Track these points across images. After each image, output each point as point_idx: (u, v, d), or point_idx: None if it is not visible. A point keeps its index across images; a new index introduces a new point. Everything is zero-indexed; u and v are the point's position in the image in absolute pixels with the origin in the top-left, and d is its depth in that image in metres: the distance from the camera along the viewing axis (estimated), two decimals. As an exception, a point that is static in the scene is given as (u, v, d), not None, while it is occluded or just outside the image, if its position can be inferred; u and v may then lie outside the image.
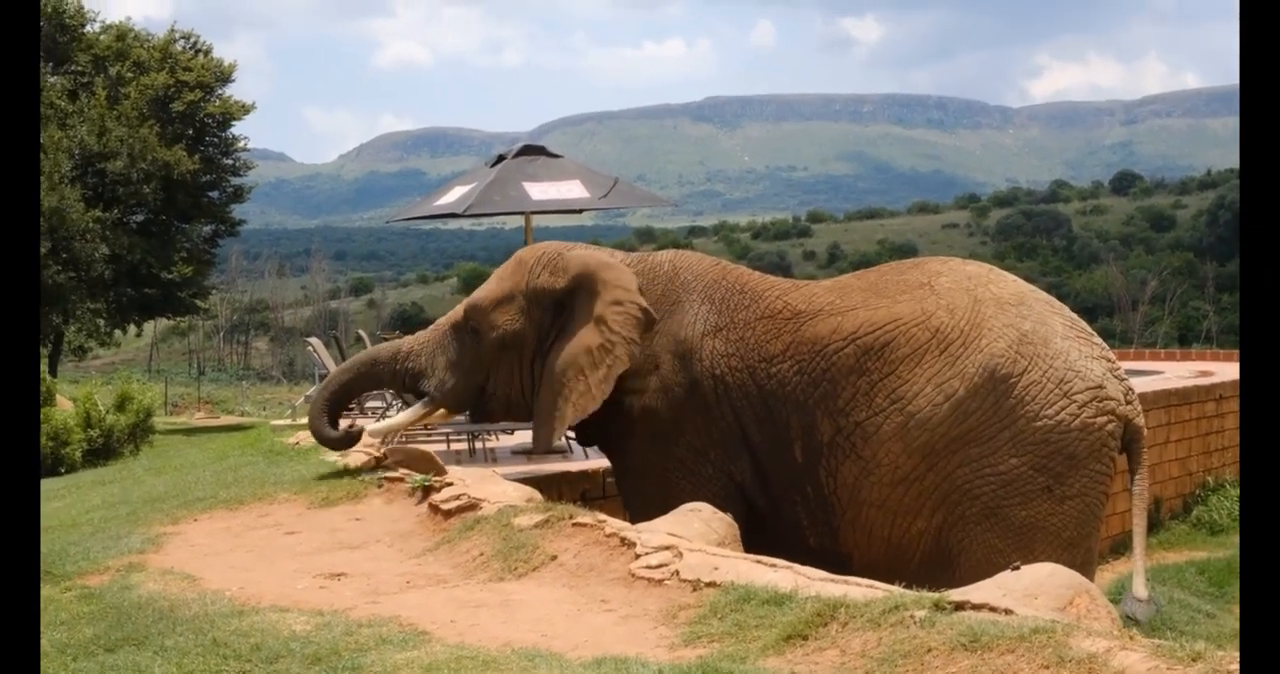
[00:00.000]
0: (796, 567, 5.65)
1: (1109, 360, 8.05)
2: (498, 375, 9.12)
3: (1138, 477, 8.23)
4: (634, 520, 8.18)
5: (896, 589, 5.07)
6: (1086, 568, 7.67)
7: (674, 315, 8.80)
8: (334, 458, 10.25)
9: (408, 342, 9.59)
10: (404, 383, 9.49)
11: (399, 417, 9.91)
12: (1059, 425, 7.73)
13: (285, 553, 7.66)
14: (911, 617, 4.62)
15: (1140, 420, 8.10)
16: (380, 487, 9.12)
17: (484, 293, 9.37)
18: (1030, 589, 4.71)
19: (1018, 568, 4.96)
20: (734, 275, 8.99)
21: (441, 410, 9.46)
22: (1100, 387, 7.82)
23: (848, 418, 8.16)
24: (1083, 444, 7.74)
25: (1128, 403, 7.99)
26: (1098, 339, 8.20)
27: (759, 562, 5.82)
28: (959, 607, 4.63)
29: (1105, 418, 7.81)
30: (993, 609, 4.55)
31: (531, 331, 9.03)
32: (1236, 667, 3.70)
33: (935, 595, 4.75)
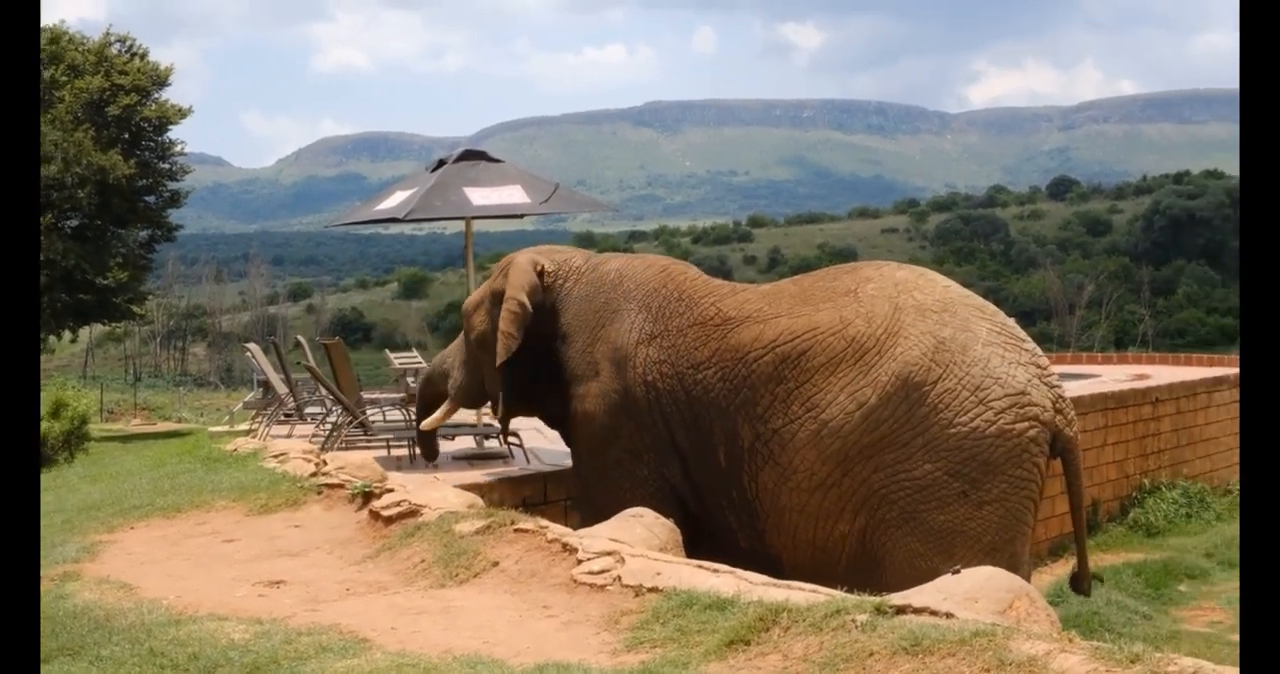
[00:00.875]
0: (739, 572, 5.65)
1: (1038, 366, 8.05)
2: (486, 372, 9.84)
3: (1073, 485, 8.31)
4: (582, 523, 8.52)
5: (838, 593, 5.07)
6: (1013, 573, 7.71)
7: (614, 323, 9.09)
8: (272, 464, 10.17)
9: (445, 351, 10.76)
10: (447, 386, 10.38)
11: (434, 416, 10.42)
12: (973, 432, 7.75)
13: (223, 561, 7.59)
14: (853, 621, 4.63)
15: (1071, 429, 8.11)
16: (320, 493, 9.06)
17: (469, 301, 10.20)
18: (971, 593, 4.72)
19: (958, 572, 4.98)
20: (675, 282, 9.13)
21: (458, 406, 10.39)
22: (1022, 393, 7.83)
23: (766, 425, 8.29)
24: (999, 450, 7.76)
25: (1056, 410, 8.00)
26: (1029, 345, 8.21)
27: (701, 567, 5.82)
28: (900, 611, 4.64)
29: (1026, 424, 7.81)
30: (934, 613, 4.56)
31: (492, 330, 9.65)
32: (1175, 668, 3.72)
33: (877, 599, 4.76)
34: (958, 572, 4.99)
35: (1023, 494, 7.91)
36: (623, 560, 6.01)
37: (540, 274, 9.60)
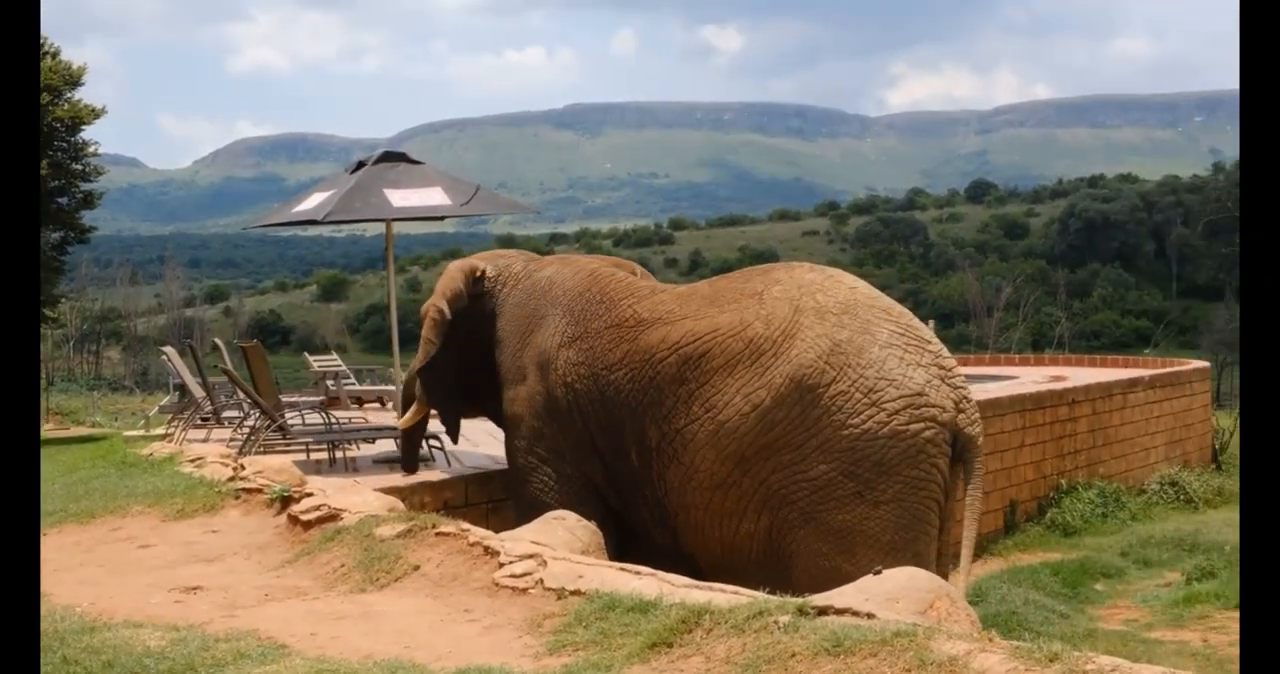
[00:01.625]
0: (661, 574, 5.65)
1: (941, 368, 8.12)
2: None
3: (971, 485, 8.35)
4: (517, 521, 8.68)
5: (760, 595, 5.08)
6: None
7: (542, 328, 9.35)
8: (189, 469, 10.04)
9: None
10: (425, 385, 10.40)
11: (407, 415, 10.55)
12: (866, 433, 7.83)
13: (139, 567, 7.48)
14: (775, 622, 4.64)
15: (973, 429, 8.17)
16: (237, 498, 8.96)
17: (425, 305, 10.23)
18: (892, 593, 4.75)
19: (879, 572, 5.00)
20: (601, 285, 9.32)
21: (427, 407, 10.47)
22: (918, 394, 7.90)
23: (670, 425, 8.45)
24: (893, 451, 7.84)
25: (958, 411, 8.07)
26: (934, 346, 8.28)
27: (623, 569, 5.81)
28: (822, 612, 4.66)
29: (921, 425, 7.88)
30: (855, 614, 4.58)
31: None
32: (1093, 667, 3.75)
33: (799, 601, 4.78)
34: (879, 572, 5.01)
35: (922, 494, 7.98)
36: (545, 563, 5.99)
37: (479, 279, 9.88)
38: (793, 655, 4.36)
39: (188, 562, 7.52)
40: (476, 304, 9.85)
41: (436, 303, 9.74)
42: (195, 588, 6.82)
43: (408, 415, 10.50)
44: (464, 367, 9.89)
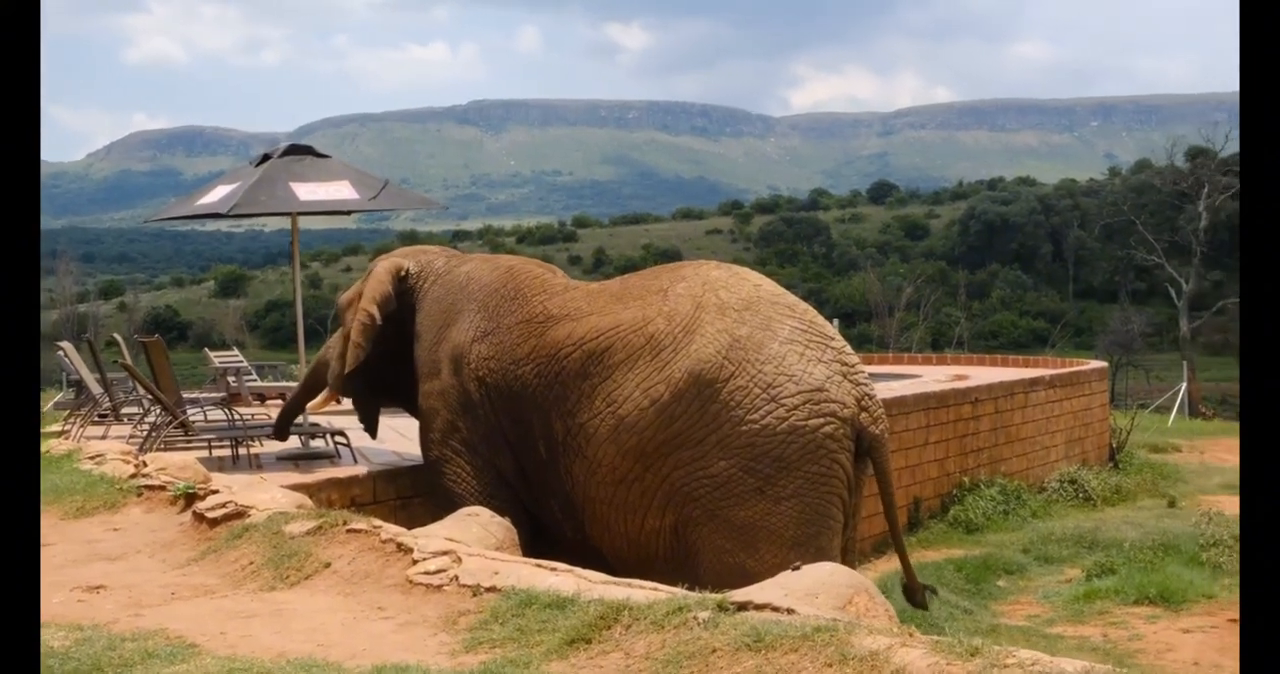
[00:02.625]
0: (578, 570, 5.60)
1: (843, 364, 8.16)
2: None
3: (883, 482, 8.40)
4: (435, 513, 8.84)
5: (680, 591, 5.06)
6: None
7: (456, 323, 9.40)
8: (89, 466, 9.83)
9: (330, 340, 10.82)
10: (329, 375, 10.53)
11: (317, 399, 10.73)
12: (764, 429, 7.85)
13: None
14: (695, 618, 4.62)
15: (876, 427, 8.21)
16: (140, 495, 8.78)
17: (344, 296, 10.55)
18: (811, 588, 4.74)
19: (798, 568, 5.00)
20: (516, 281, 9.39)
21: (335, 394, 10.61)
22: (818, 389, 7.93)
23: (574, 419, 8.51)
24: (792, 447, 7.86)
25: (860, 408, 8.11)
26: (836, 342, 8.32)
27: (539, 566, 5.76)
28: (742, 607, 4.64)
29: (821, 421, 7.90)
30: (775, 609, 4.57)
31: None
32: (1013, 660, 3.77)
33: (718, 596, 4.76)
34: (798, 568, 5.01)
35: (823, 490, 8.00)
36: (459, 560, 5.92)
37: (404, 278, 9.94)
38: (713, 651, 4.34)
39: (90, 560, 7.35)
40: (400, 302, 9.89)
41: (366, 307, 9.75)
42: (99, 587, 6.66)
43: (318, 400, 10.66)
44: (383, 362, 9.90)
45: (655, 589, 5.16)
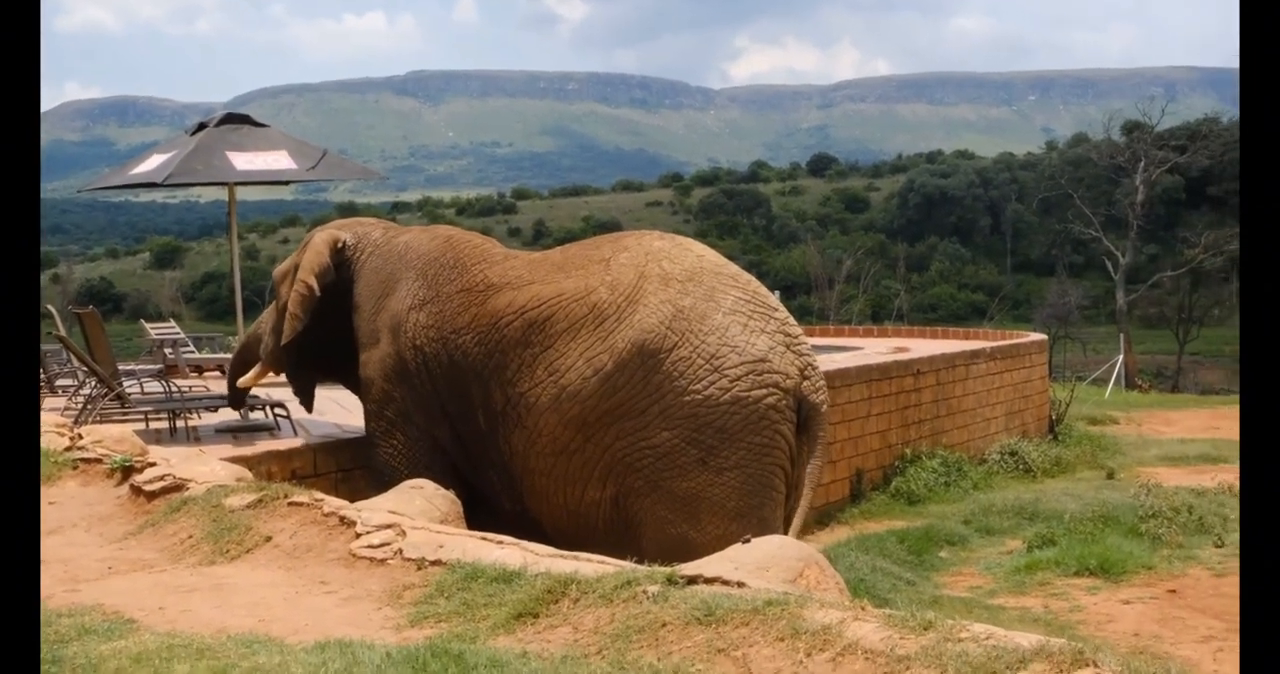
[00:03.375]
0: (524, 543, 5.53)
1: (786, 335, 8.14)
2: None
3: (815, 453, 8.35)
4: (370, 485, 9.05)
5: (628, 565, 4.99)
6: None
7: (395, 292, 9.29)
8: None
9: (264, 313, 10.65)
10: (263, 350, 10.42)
11: (249, 374, 10.59)
12: (707, 399, 7.83)
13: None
14: (644, 592, 4.56)
15: (817, 397, 8.18)
16: (75, 468, 8.61)
17: (279, 268, 10.31)
18: (762, 562, 4.69)
19: (748, 541, 4.95)
20: (454, 251, 9.30)
21: (268, 370, 10.48)
22: (761, 360, 7.91)
23: (514, 388, 8.45)
24: (735, 417, 7.84)
25: (803, 378, 8.09)
26: (780, 313, 8.30)
27: (485, 539, 5.68)
28: (692, 581, 4.59)
29: (764, 392, 7.89)
30: (725, 583, 4.51)
31: None
32: (967, 634, 3.74)
33: (668, 570, 4.70)
34: (748, 541, 4.96)
35: (766, 460, 7.98)
36: (403, 533, 5.84)
37: (341, 249, 9.75)
38: (663, 626, 4.29)
39: (24, 534, 7.21)
40: (337, 274, 9.71)
41: (305, 278, 9.56)
42: (33, 561, 6.53)
43: (250, 376, 10.51)
44: (320, 335, 9.72)
45: (603, 562, 5.10)
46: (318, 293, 9.52)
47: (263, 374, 10.55)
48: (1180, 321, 57.94)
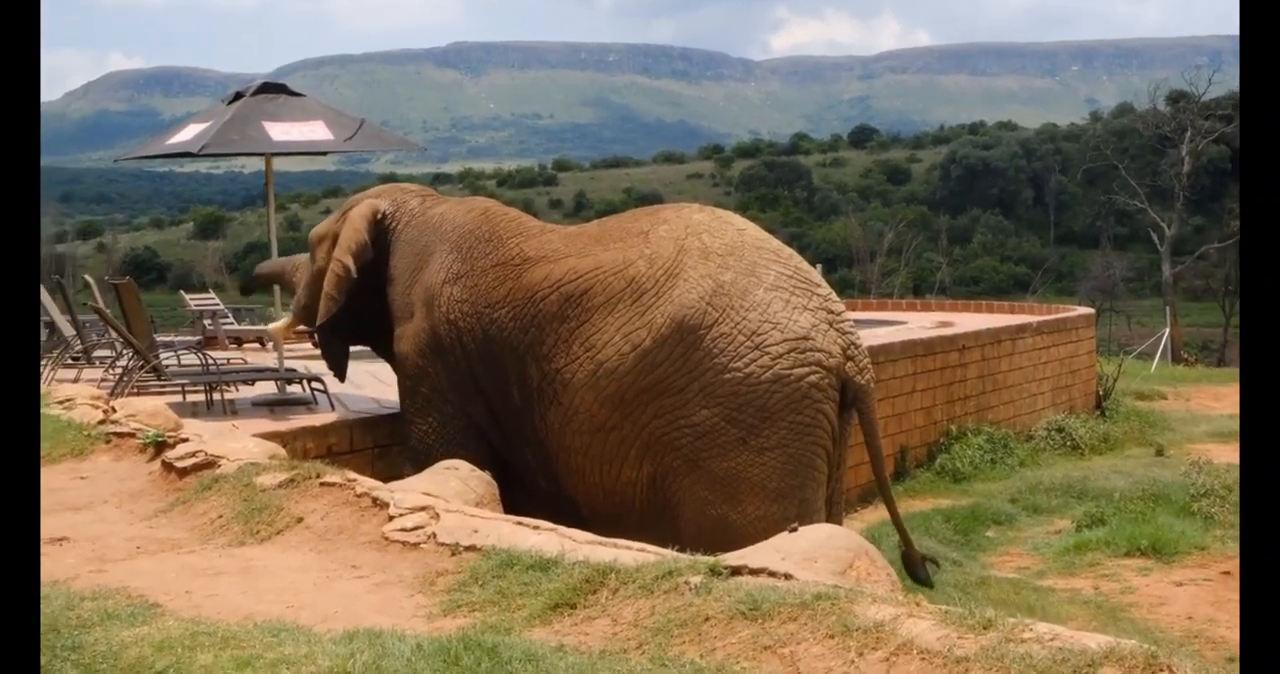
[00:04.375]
0: (561, 529, 5.32)
1: (829, 312, 7.93)
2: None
3: (869, 434, 8.18)
4: (404, 461, 9.05)
5: (669, 553, 4.77)
6: (804, 520, 7.59)
7: (429, 265, 9.10)
8: (57, 411, 9.53)
9: (299, 259, 10.69)
10: (294, 293, 10.63)
11: (278, 323, 10.91)
12: (748, 377, 7.63)
13: None
14: (686, 583, 4.34)
15: (862, 377, 7.97)
16: (108, 442, 8.48)
17: (316, 229, 10.25)
18: (809, 552, 4.47)
19: (795, 529, 4.73)
20: (490, 224, 9.10)
21: (298, 323, 10.68)
22: (804, 338, 7.69)
23: (550, 365, 8.26)
24: (776, 396, 7.64)
25: (846, 357, 7.88)
26: (823, 290, 8.08)
27: (521, 523, 5.47)
28: (736, 571, 4.36)
29: (806, 369, 7.68)
30: (771, 574, 4.29)
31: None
32: (1030, 635, 3.52)
33: (711, 560, 4.48)
34: (795, 530, 4.74)
35: (807, 440, 7.78)
36: (437, 516, 5.64)
37: (379, 221, 9.58)
38: (706, 619, 4.07)
39: (54, 510, 7.05)
40: (374, 245, 9.55)
41: (342, 258, 9.38)
42: (62, 539, 6.38)
43: (280, 325, 10.83)
44: (357, 307, 9.57)
45: (643, 550, 4.88)
46: (354, 275, 9.35)
47: (293, 325, 10.72)
48: (1226, 293, 57.35)
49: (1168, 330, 35.36)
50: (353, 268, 9.33)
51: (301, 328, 11.03)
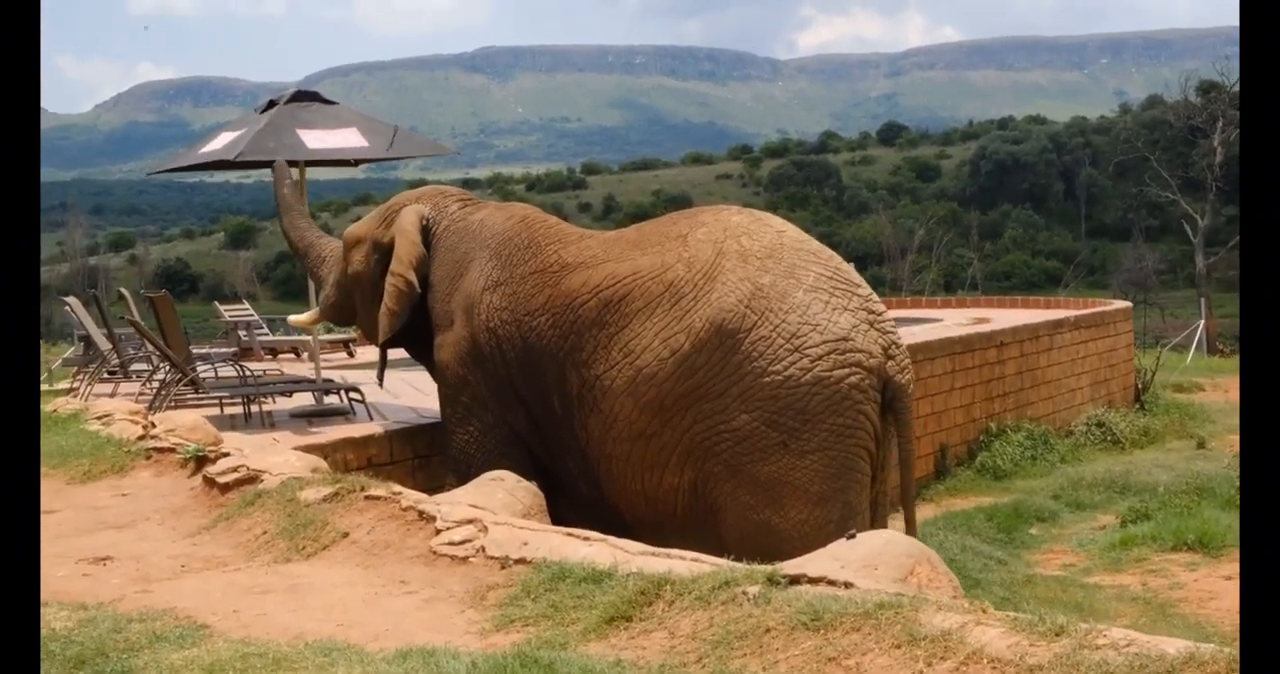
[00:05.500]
0: (612, 540, 5.23)
1: (870, 312, 7.81)
2: (357, 303, 9.97)
3: (902, 435, 8.06)
4: (447, 470, 9.05)
5: (725, 563, 4.68)
6: (848, 522, 7.51)
7: (468, 273, 9.02)
8: (96, 427, 9.51)
9: (330, 247, 10.48)
10: (317, 281, 10.66)
11: (304, 315, 10.91)
12: (788, 380, 7.52)
13: (42, 535, 6.98)
14: (744, 593, 4.26)
15: (902, 376, 7.86)
16: (149, 458, 8.45)
17: (353, 229, 10.07)
18: (868, 559, 4.37)
19: (853, 536, 4.63)
20: (530, 230, 9.02)
21: (323, 319, 10.77)
22: (844, 339, 7.58)
23: (590, 371, 8.18)
24: (816, 398, 7.53)
25: (887, 357, 7.77)
26: (863, 290, 7.96)
27: (571, 535, 5.39)
28: (794, 580, 4.28)
29: (846, 371, 7.56)
30: (831, 583, 4.20)
31: (374, 272, 9.69)
32: (1105, 641, 3.43)
33: (768, 569, 4.39)
34: (853, 536, 4.64)
35: (850, 442, 7.67)
36: (485, 529, 5.56)
37: (426, 227, 9.49)
38: (767, 631, 3.99)
39: (96, 529, 7.03)
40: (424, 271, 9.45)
41: (404, 272, 9.22)
42: (105, 558, 6.34)
43: (305, 318, 10.90)
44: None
45: (697, 560, 4.79)
46: (418, 289, 9.24)
47: (318, 320, 10.81)
48: (1262, 284, 56.80)
49: (1203, 322, 35.03)
50: (415, 282, 9.21)
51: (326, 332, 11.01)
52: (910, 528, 8.54)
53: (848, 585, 4.16)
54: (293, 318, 11.16)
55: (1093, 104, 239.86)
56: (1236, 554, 11.22)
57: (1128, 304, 23.44)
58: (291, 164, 11.10)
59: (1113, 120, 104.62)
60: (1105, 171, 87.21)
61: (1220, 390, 23.70)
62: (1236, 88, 58.79)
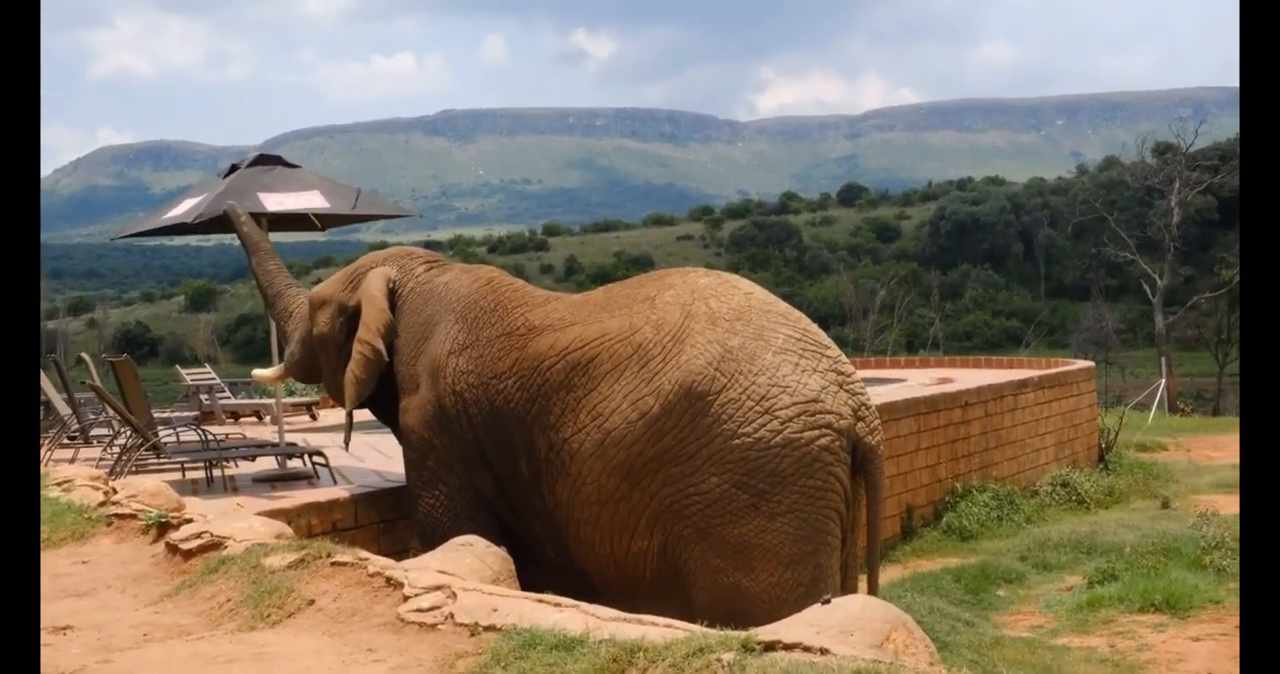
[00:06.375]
0: (584, 605, 5.17)
1: (839, 373, 7.77)
2: (322, 364, 9.86)
3: (872, 498, 8.01)
4: (412, 535, 8.96)
5: (699, 629, 4.63)
6: (819, 585, 7.48)
7: (434, 336, 8.95)
8: (56, 493, 9.39)
9: (298, 301, 10.29)
10: (282, 334, 10.55)
11: (268, 371, 10.83)
12: (758, 442, 7.47)
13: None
14: (718, 660, 4.20)
15: (872, 438, 7.81)
16: (110, 524, 8.32)
17: (319, 290, 9.94)
18: (844, 625, 4.33)
19: (828, 601, 4.59)
20: (496, 293, 8.97)
21: (288, 375, 10.61)
22: (813, 401, 7.54)
23: (557, 434, 8.09)
24: (786, 461, 7.47)
25: (858, 419, 7.73)
26: (832, 351, 7.92)
27: (541, 600, 5.32)
28: (769, 647, 4.22)
29: (816, 433, 7.52)
30: (806, 649, 4.15)
31: (340, 336, 9.57)
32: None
33: (743, 635, 4.34)
34: (828, 601, 4.60)
35: (820, 504, 7.60)
36: (454, 595, 5.48)
37: (393, 290, 9.41)
38: (741, 699, 3.94)
39: (56, 597, 6.91)
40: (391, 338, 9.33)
41: (370, 341, 9.09)
42: (65, 627, 6.23)
43: (269, 374, 10.77)
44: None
45: (670, 626, 4.73)
46: (385, 357, 9.10)
47: (283, 376, 10.64)
48: (1219, 343, 57.41)
49: (1164, 380, 35.28)
50: (383, 350, 9.08)
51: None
52: (872, 589, 8.50)
53: (824, 652, 4.11)
54: (256, 373, 11.13)
55: (1049, 165, 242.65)
56: (1204, 615, 11.25)
57: (1090, 364, 23.58)
58: (256, 218, 11.02)
59: (1070, 181, 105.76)
60: (1064, 232, 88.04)
61: (1183, 449, 23.85)
62: (1192, 149, 59.62)
